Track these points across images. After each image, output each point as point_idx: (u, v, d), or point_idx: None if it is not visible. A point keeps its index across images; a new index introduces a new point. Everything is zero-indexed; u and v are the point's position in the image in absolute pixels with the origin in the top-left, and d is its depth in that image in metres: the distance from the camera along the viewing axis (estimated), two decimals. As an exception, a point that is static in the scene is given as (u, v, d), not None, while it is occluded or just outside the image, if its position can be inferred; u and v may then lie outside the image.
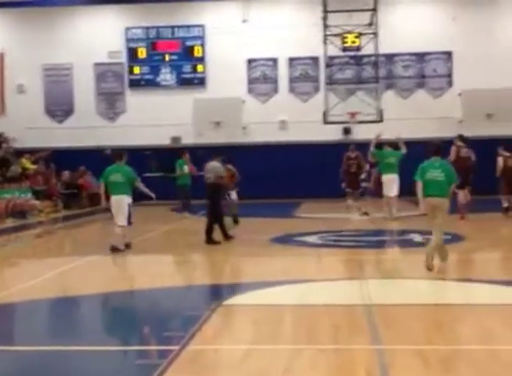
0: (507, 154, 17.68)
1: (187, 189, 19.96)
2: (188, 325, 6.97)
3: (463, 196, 16.46)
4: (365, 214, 18.28)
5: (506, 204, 17.44)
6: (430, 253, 9.75)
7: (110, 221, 13.23)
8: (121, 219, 12.59)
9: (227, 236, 13.61)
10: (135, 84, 26.72)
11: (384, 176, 17.47)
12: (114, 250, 12.51)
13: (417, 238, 14.01)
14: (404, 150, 17.55)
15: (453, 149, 16.93)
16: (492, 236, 13.81)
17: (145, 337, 7.23)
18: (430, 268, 9.61)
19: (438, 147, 10.45)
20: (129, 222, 12.89)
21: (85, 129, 26.21)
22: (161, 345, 6.55)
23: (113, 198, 12.65)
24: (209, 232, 13.54)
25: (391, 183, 17.20)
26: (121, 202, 12.64)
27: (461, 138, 17.48)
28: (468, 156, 16.91)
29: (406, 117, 24.82)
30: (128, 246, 12.91)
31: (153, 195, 13.24)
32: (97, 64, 26.76)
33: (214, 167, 13.87)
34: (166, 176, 25.17)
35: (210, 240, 13.46)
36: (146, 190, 13.19)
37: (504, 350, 5.97)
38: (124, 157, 13.07)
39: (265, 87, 26.43)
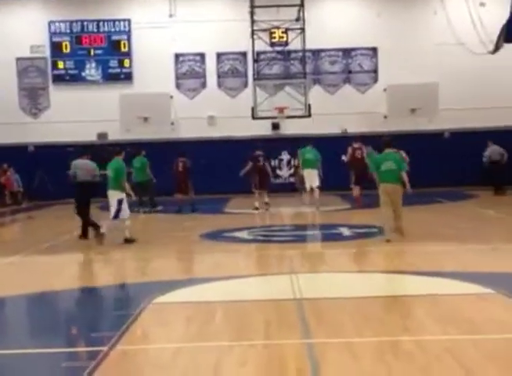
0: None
1: (153, 186, 19.82)
2: (116, 325, 6.82)
3: (358, 191, 18.56)
4: (256, 209, 18.75)
5: None
6: (390, 227, 12.00)
7: (31, 220, 12.95)
8: (111, 213, 12.80)
9: (85, 235, 13.68)
10: (59, 79, 26.10)
11: (305, 171, 18.78)
12: (127, 241, 12.89)
13: (346, 232, 14.19)
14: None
15: (349, 150, 18.81)
16: (416, 228, 14.09)
17: (72, 338, 7.04)
18: (389, 239, 11.89)
19: (390, 141, 12.50)
20: (116, 216, 12.87)
21: (7, 125, 25.46)
22: (89, 346, 6.40)
23: (108, 193, 12.95)
24: (86, 228, 13.65)
25: (311, 177, 18.52)
26: (111, 196, 12.86)
27: (357, 139, 19.14)
28: (362, 156, 18.42)
29: (333, 111, 25.14)
30: (99, 235, 12.92)
31: (132, 196, 13.50)
32: (19, 59, 26.01)
33: (86, 164, 13.83)
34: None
35: (85, 235, 13.65)
36: (126, 190, 13.18)
37: (432, 340, 6.08)
38: (122, 153, 13.26)
39: (193, 82, 26.26)
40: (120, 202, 12.78)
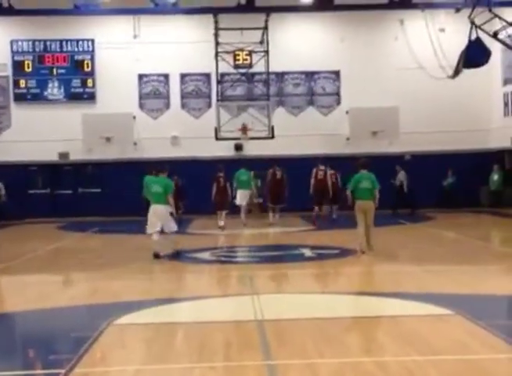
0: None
1: None
2: (75, 347, 6.71)
3: (319, 210, 20.15)
4: (221, 228, 19.21)
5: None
6: (364, 241, 13.10)
7: None
8: (167, 227, 13.49)
9: None
10: (20, 98, 25.83)
11: (239, 191, 20.19)
12: (156, 256, 13.28)
13: (308, 253, 14.24)
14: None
15: (313, 171, 20.18)
16: (377, 250, 14.20)
17: (29, 361, 6.90)
18: (364, 251, 12.99)
19: (366, 163, 13.49)
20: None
21: (-34, 144, 25.07)
22: (46, 369, 6.26)
23: (153, 207, 13.42)
24: None
25: (244, 197, 20.20)
26: (160, 210, 13.37)
27: (322, 161, 20.51)
28: (324, 178, 20.05)
29: (297, 133, 25.34)
30: (178, 253, 13.64)
31: (173, 213, 13.86)
32: (-21, 77, 25.71)
33: None
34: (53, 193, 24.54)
35: None
36: (171, 205, 13.68)
37: (392, 361, 6.10)
38: (166, 171, 14.00)
39: (156, 102, 26.24)
40: (172, 214, 13.58)
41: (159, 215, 13.41)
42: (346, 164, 20.73)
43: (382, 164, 22.46)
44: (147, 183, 13.73)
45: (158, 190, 13.44)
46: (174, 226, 13.63)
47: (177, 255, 13.62)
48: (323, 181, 19.91)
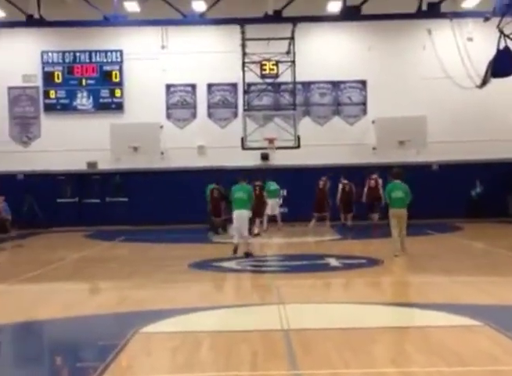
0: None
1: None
2: (103, 355, 6.77)
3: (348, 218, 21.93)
4: (257, 235, 19.82)
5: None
6: (397, 246, 14.14)
7: (20, 248, 12.89)
8: (244, 231, 14.81)
9: None
10: (50, 108, 26.17)
11: (269, 200, 21.36)
12: (248, 255, 14.83)
13: (334, 262, 14.20)
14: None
15: (340, 186, 22.07)
16: (405, 260, 14.11)
17: (57, 368, 6.97)
18: (397, 254, 14.01)
19: (398, 173, 14.62)
20: (250, 233, 15.54)
21: (-4, 154, 25.44)
22: (74, 377, 6.33)
23: (237, 212, 14.76)
24: None
25: (273, 205, 21.65)
26: (242, 215, 14.71)
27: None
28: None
29: (323, 143, 25.31)
30: (249, 254, 14.87)
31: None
32: (11, 88, 26.11)
33: None
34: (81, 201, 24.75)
35: None
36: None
37: (419, 372, 6.06)
38: (246, 179, 15.53)
39: (183, 112, 26.39)
40: (251, 220, 15.11)
41: (240, 219, 14.67)
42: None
43: (409, 174, 22.37)
44: (233, 191, 15.04)
45: (242, 197, 14.74)
46: (245, 232, 14.83)
47: (247, 256, 14.69)
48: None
